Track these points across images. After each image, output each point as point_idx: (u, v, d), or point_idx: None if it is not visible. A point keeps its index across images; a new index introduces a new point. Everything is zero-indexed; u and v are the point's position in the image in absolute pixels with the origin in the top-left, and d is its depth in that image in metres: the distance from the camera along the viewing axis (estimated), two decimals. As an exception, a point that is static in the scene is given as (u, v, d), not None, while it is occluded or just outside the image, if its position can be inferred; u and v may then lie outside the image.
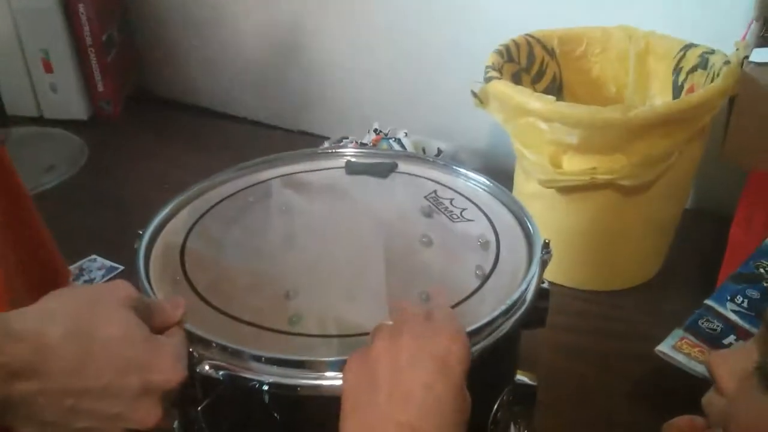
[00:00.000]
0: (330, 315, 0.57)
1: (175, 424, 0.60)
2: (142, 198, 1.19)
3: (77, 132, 1.43)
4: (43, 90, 1.45)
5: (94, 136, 1.42)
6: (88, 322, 0.44)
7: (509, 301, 0.52)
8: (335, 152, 0.74)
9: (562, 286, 0.95)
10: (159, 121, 1.49)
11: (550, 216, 0.91)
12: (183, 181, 0.70)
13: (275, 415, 0.51)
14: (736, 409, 0.43)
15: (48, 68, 1.42)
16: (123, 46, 1.52)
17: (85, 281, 1.02)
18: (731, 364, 0.45)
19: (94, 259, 1.06)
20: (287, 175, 0.72)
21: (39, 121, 1.48)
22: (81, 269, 1.04)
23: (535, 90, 0.93)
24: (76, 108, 1.46)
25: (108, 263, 1.06)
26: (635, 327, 0.88)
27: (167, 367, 0.46)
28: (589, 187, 0.84)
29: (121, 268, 1.04)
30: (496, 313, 0.51)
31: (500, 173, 1.05)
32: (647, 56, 0.98)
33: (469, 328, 0.49)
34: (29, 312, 0.43)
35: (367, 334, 0.53)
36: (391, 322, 0.47)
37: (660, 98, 0.99)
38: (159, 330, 0.48)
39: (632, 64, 1.00)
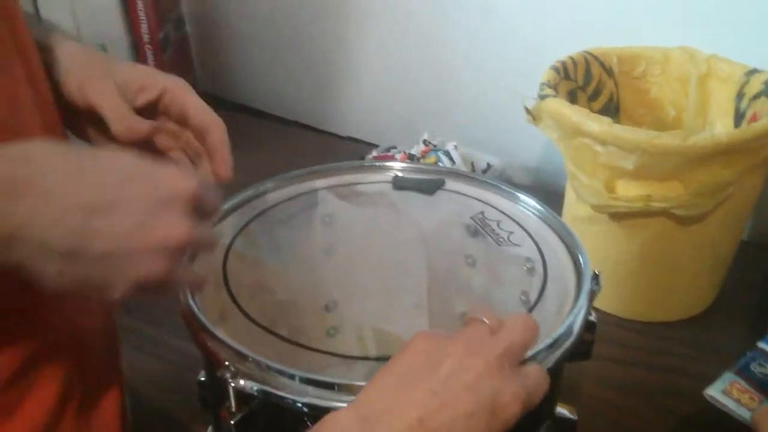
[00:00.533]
0: (368, 329, 0.56)
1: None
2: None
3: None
4: (100, 85, 1.48)
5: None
6: (84, 153, 0.43)
7: (554, 335, 0.50)
8: (383, 166, 0.74)
9: (608, 313, 0.92)
10: (211, 121, 1.50)
11: (600, 241, 0.89)
12: (234, 182, 0.70)
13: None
14: None
15: (106, 63, 1.45)
16: (178, 45, 1.54)
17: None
18: None
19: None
20: (333, 186, 0.71)
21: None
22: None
23: (591, 109, 0.91)
24: (132, 104, 1.48)
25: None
26: (682, 362, 0.85)
27: (174, 174, 0.44)
28: (643, 214, 0.81)
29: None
30: (541, 347, 0.49)
31: (550, 192, 1.04)
32: (709, 80, 0.95)
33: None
34: (17, 144, 0.41)
35: None
36: (487, 320, 0.45)
37: (720, 124, 0.95)
38: None
39: (693, 88, 0.97)
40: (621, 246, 0.87)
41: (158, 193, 0.42)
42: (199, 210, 0.44)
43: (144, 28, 1.41)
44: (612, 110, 1.02)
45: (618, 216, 0.85)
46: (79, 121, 0.58)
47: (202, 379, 0.62)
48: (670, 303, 0.92)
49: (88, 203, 0.40)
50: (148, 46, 1.43)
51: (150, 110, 0.58)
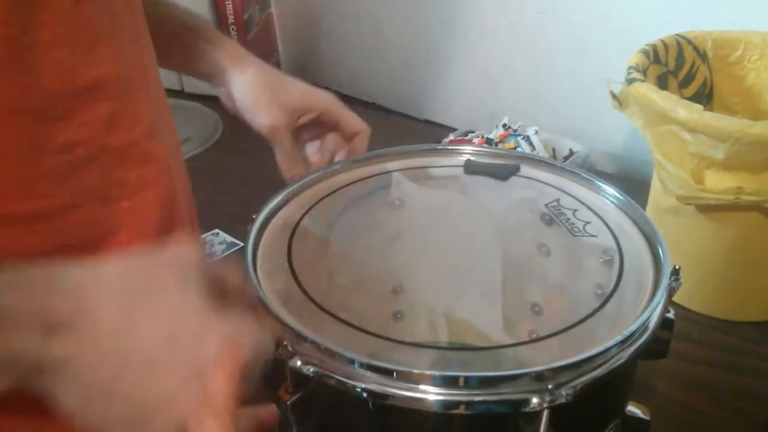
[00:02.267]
0: (440, 315, 0.55)
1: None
2: (268, 178, 1.21)
3: (214, 108, 1.47)
4: (186, 64, 1.51)
5: (229, 113, 1.45)
6: (140, 287, 0.41)
7: (627, 331, 0.47)
8: (455, 149, 0.72)
9: (691, 311, 0.88)
10: (291, 102, 1.51)
11: (686, 234, 0.84)
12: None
13: (365, 418, 0.50)
14: None
15: (192, 43, 1.47)
16: (263, 26, 1.55)
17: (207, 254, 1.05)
18: None
19: (217, 233, 1.09)
20: (404, 169, 0.70)
21: (180, 94, 1.53)
22: (204, 242, 1.07)
23: (682, 95, 0.86)
24: (215, 84, 1.51)
25: (229, 239, 1.08)
26: (765, 365, 0.80)
27: (229, 341, 0.40)
28: (733, 207, 0.77)
29: (241, 244, 1.06)
30: (612, 342, 0.46)
31: (636, 182, 0.99)
32: (812, 66, 0.89)
33: (582, 356, 0.45)
34: (77, 268, 0.40)
35: (471, 348, 0.51)
36: None
37: (823, 114, 0.89)
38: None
39: (793, 75, 0.90)
40: (708, 240, 0.83)
41: (199, 362, 0.40)
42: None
43: (229, 8, 1.43)
44: (705, 97, 0.96)
45: (706, 209, 0.80)
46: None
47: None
48: (757, 302, 0.86)
49: (127, 353, 0.39)
50: (232, 26, 1.45)
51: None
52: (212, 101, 1.49)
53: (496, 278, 0.59)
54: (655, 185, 0.90)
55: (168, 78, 1.58)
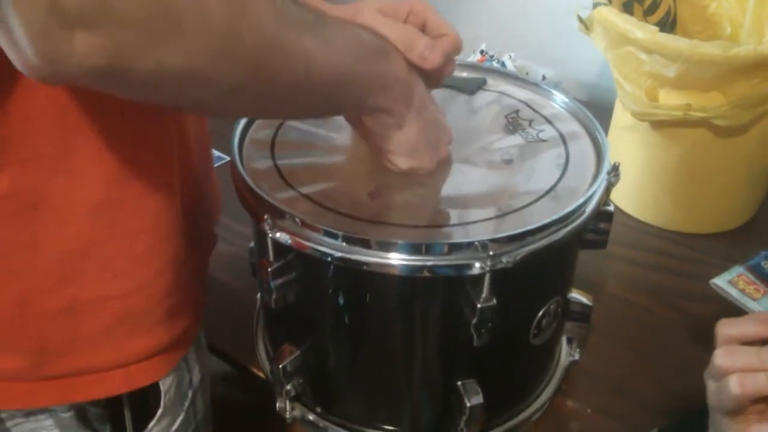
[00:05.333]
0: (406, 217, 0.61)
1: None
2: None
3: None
4: None
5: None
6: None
7: (564, 212, 0.54)
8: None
9: (646, 223, 0.95)
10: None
11: (642, 150, 0.91)
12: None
13: (338, 285, 0.57)
14: None
15: None
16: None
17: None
18: None
19: (206, 148, 1.15)
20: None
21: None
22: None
23: (647, 23, 0.92)
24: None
25: (217, 153, 1.14)
26: (712, 271, 0.87)
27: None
28: (683, 123, 0.83)
29: (227, 158, 1.12)
30: (549, 220, 0.53)
31: (603, 108, 1.05)
32: (769, -3, 0.94)
33: (521, 230, 0.52)
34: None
35: (434, 226, 0.57)
36: None
37: (777, 42, 0.95)
38: None
39: (751, 5, 0.96)
40: (660, 155, 0.90)
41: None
42: None
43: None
44: (668, 25, 1.02)
45: (658, 125, 0.87)
46: None
47: (252, 245, 0.70)
48: (706, 215, 0.94)
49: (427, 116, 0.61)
50: None
51: None
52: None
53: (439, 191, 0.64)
54: (618, 107, 0.97)
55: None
